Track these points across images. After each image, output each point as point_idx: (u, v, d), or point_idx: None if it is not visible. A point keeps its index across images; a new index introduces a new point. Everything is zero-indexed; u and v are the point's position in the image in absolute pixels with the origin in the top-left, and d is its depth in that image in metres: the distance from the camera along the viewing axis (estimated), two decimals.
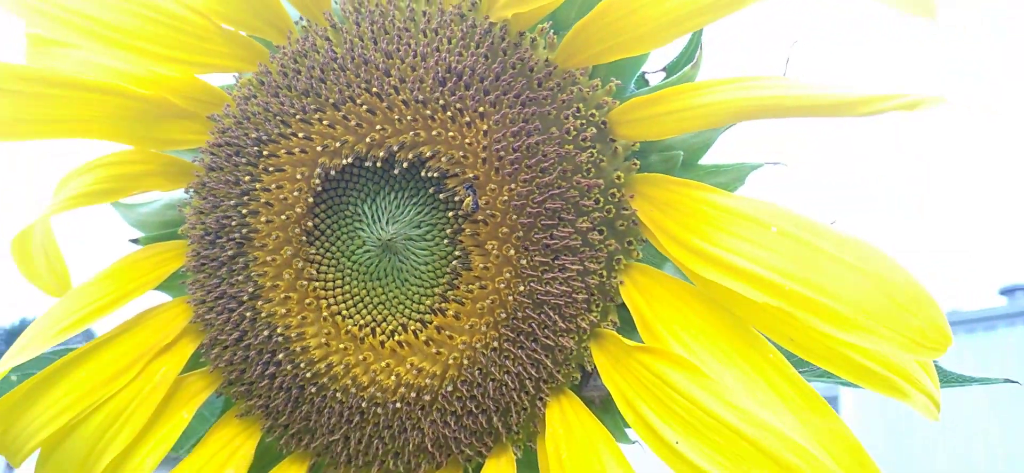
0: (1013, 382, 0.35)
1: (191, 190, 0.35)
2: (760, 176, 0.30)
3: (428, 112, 0.30)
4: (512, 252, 0.29)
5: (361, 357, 0.31)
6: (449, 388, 0.30)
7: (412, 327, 0.31)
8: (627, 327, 0.30)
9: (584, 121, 0.30)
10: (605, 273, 0.30)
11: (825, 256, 0.24)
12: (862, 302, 0.23)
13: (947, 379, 0.32)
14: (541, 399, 0.30)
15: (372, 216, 0.32)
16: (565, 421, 0.30)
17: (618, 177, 0.30)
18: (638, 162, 0.30)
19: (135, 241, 0.37)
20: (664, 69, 0.32)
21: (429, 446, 0.31)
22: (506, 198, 0.29)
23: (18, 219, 0.37)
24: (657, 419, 0.27)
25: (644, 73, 0.33)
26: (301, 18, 0.33)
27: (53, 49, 0.35)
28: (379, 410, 0.31)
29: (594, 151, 0.30)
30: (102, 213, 0.37)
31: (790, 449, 0.24)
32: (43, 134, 0.34)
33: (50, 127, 0.33)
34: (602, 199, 0.30)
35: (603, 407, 0.31)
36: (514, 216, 0.29)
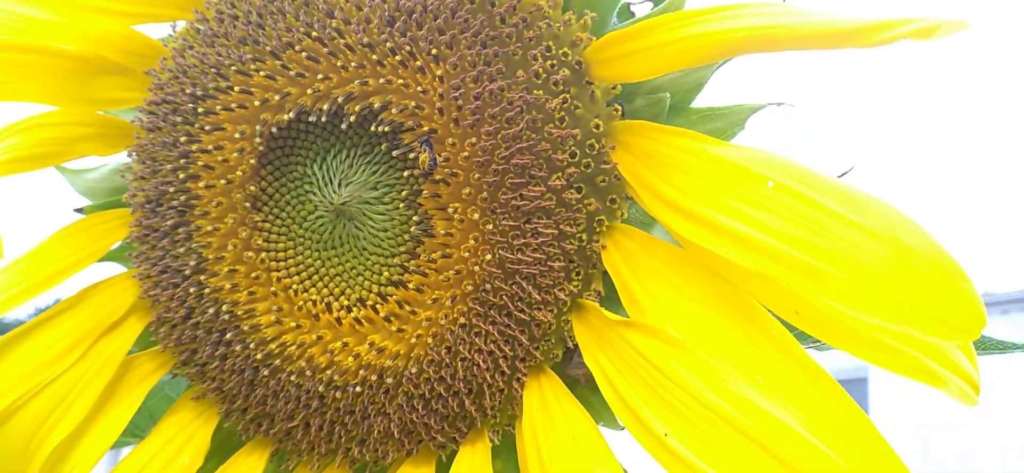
0: None
1: (132, 154, 0.31)
2: (760, 120, 0.26)
3: (375, 57, 0.26)
4: (477, 215, 0.26)
5: (317, 336, 0.28)
6: (414, 369, 0.27)
7: (371, 301, 0.28)
8: (613, 297, 0.26)
9: (555, 61, 0.26)
10: (585, 237, 0.26)
11: (831, 216, 0.20)
12: (875, 271, 0.19)
13: (986, 346, 0.28)
14: (518, 379, 0.27)
15: (323, 178, 0.28)
16: (544, 404, 0.26)
17: (596, 126, 0.26)
18: (620, 107, 0.26)
19: (80, 210, 0.34)
20: None
21: (396, 433, 0.28)
22: (467, 154, 0.26)
23: None
24: (644, 407, 0.23)
25: (628, 4, 0.28)
26: None
27: None
28: (338, 394, 0.28)
29: (568, 96, 0.26)
30: (48, 178, 0.34)
31: (795, 446, 0.21)
32: None
33: None
34: (578, 152, 0.26)
35: (589, 387, 0.27)
36: (477, 174, 0.26)
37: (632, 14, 0.29)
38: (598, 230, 0.26)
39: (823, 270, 0.20)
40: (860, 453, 0.21)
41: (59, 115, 0.31)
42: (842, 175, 0.22)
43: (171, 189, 0.29)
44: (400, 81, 0.26)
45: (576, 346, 0.27)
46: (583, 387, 0.28)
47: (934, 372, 0.21)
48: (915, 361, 0.21)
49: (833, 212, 0.20)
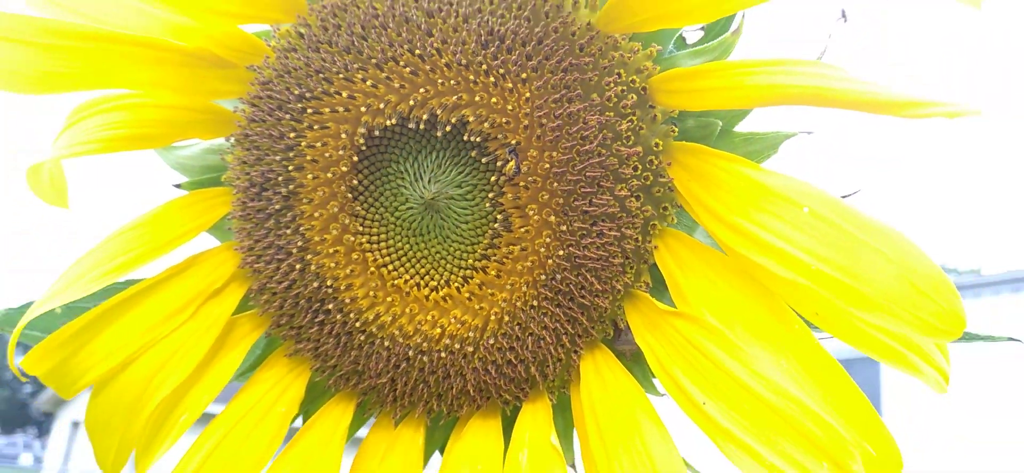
0: (1016, 341, 0.37)
1: (232, 139, 0.36)
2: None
3: (471, 76, 0.31)
4: (552, 218, 0.31)
5: (407, 309, 0.34)
6: (490, 341, 0.33)
7: (455, 283, 0.33)
8: (659, 286, 0.32)
9: (625, 87, 0.31)
10: (640, 238, 0.32)
11: (854, 241, 0.26)
12: (886, 287, 0.25)
13: (969, 337, 0.34)
14: (576, 352, 0.33)
15: (414, 174, 0.33)
16: (599, 373, 0.32)
17: (656, 144, 0.31)
18: (676, 128, 0.31)
19: (179, 186, 0.38)
20: (702, 28, 0.33)
21: (471, 391, 0.34)
22: (548, 165, 0.31)
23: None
24: (686, 380, 0.29)
25: (682, 33, 0.33)
26: None
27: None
28: (424, 358, 0.34)
29: (634, 118, 0.31)
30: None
31: (811, 419, 0.27)
32: (81, 86, 0.35)
33: (94, 76, 0.34)
34: (640, 167, 0.31)
35: (633, 359, 0.33)
36: (555, 183, 0.31)
37: (685, 41, 0.34)
38: (652, 233, 0.32)
39: (845, 282, 0.26)
40: (859, 426, 0.27)
41: (169, 99, 0.36)
42: (847, 196, 0.28)
43: (278, 177, 0.34)
44: (492, 99, 0.31)
45: (626, 326, 0.33)
46: (628, 360, 0.34)
47: (913, 363, 0.27)
48: (902, 355, 0.27)
49: (855, 237, 0.26)
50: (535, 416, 0.33)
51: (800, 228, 0.27)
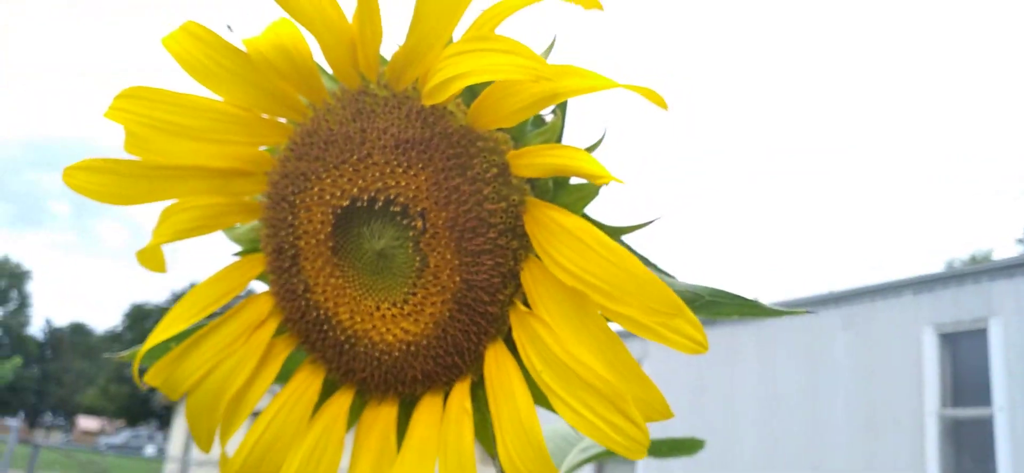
0: (812, 312, 0.49)
1: (260, 222, 0.54)
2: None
3: (389, 168, 0.47)
4: (450, 255, 0.47)
5: (373, 323, 0.50)
6: (425, 342, 0.49)
7: (400, 304, 0.50)
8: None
9: (488, 164, 0.46)
10: (512, 263, 0.47)
11: (607, 261, 0.40)
12: (623, 287, 0.39)
13: (758, 310, 0.46)
14: (482, 345, 0.48)
15: (368, 234, 0.50)
16: (496, 359, 0.47)
17: (515, 200, 0.46)
18: (527, 186, 0.46)
19: (237, 254, 0.57)
20: (552, 110, 0.48)
21: (420, 377, 0.50)
22: (443, 220, 0.47)
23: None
24: (535, 360, 0.44)
25: (541, 115, 0.48)
26: (309, 103, 0.51)
27: (146, 141, 0.54)
28: (387, 357, 0.50)
29: (496, 185, 0.46)
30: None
31: (600, 381, 0.41)
32: (154, 198, 0.54)
33: (162, 192, 0.54)
34: (504, 217, 0.46)
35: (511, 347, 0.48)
36: (449, 232, 0.47)
37: (543, 121, 0.48)
38: (519, 259, 0.47)
39: (603, 287, 0.40)
40: (633, 383, 0.41)
41: (216, 201, 0.55)
42: (629, 230, 0.41)
43: (286, 245, 0.52)
44: (403, 183, 0.47)
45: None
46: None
47: (664, 336, 0.40)
48: (653, 331, 0.41)
49: (607, 259, 0.40)
50: (461, 392, 0.49)
51: (581, 255, 0.41)
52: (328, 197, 0.50)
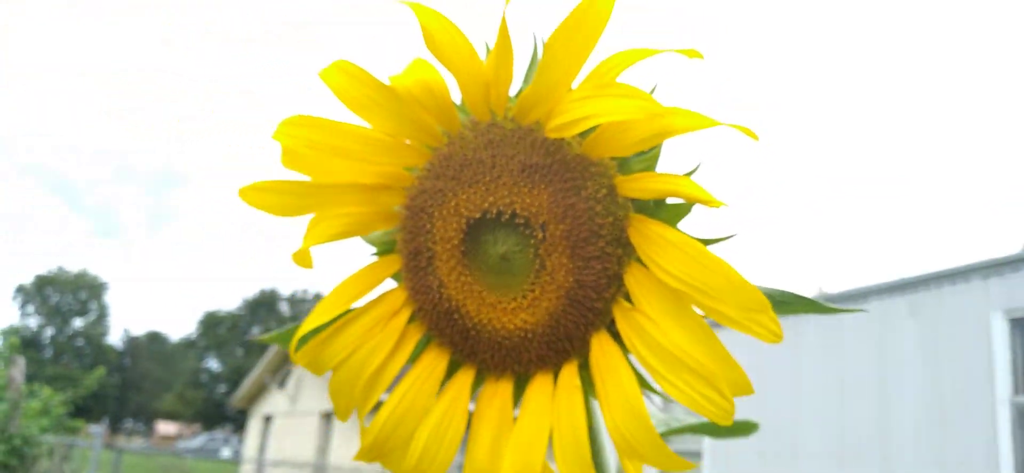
0: (865, 310, 0.58)
1: (398, 229, 0.65)
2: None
3: (516, 187, 0.58)
4: (566, 259, 0.58)
5: (496, 315, 0.61)
6: (540, 330, 0.60)
7: (520, 298, 0.60)
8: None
9: (599, 186, 0.57)
10: (616, 267, 0.57)
11: (708, 269, 0.50)
12: (720, 289, 0.49)
13: (821, 309, 0.56)
14: (588, 334, 0.59)
15: (493, 241, 0.61)
16: (601, 347, 0.58)
17: (620, 215, 0.57)
18: (631, 204, 0.57)
19: (374, 254, 0.68)
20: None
21: (534, 359, 0.61)
22: (560, 231, 0.57)
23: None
24: (639, 345, 0.54)
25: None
26: (445, 132, 0.62)
27: (304, 159, 0.65)
28: (507, 342, 0.61)
29: (606, 203, 0.57)
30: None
31: (698, 364, 0.51)
32: (313, 210, 0.65)
33: (319, 205, 0.65)
34: (612, 229, 0.57)
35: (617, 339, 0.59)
36: (564, 241, 0.57)
37: (645, 150, 0.59)
38: (622, 264, 0.57)
39: (703, 290, 0.50)
40: (726, 368, 0.51)
41: (362, 210, 0.66)
42: (718, 241, 0.52)
43: (423, 248, 0.63)
44: (527, 199, 0.58)
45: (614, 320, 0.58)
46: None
47: (753, 329, 0.51)
48: (745, 326, 0.51)
49: (707, 266, 0.50)
50: (569, 370, 0.60)
51: (684, 263, 0.52)
52: (463, 210, 0.60)
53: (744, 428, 0.86)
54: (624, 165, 0.58)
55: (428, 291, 0.63)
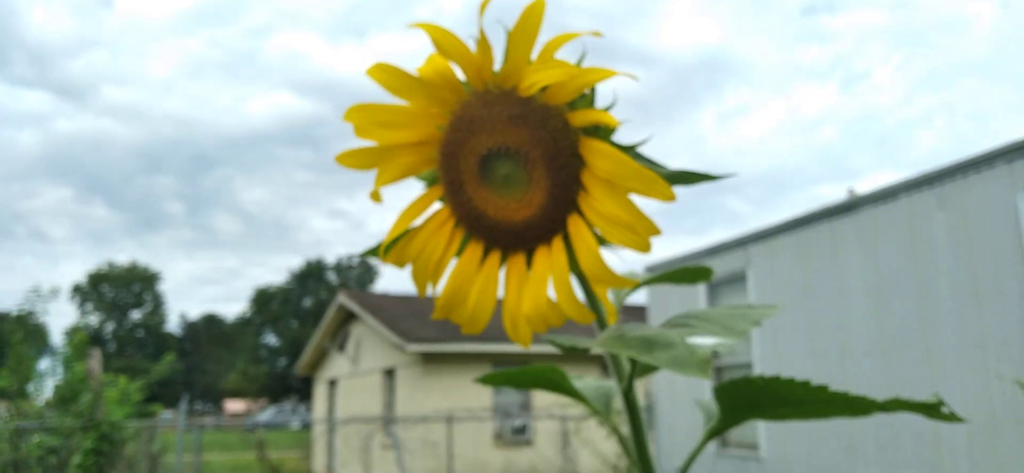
0: (725, 177, 0.94)
1: (438, 168, 1.02)
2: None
3: (506, 130, 0.94)
4: (544, 171, 0.94)
5: (507, 213, 0.98)
6: (535, 218, 0.96)
7: (519, 200, 0.97)
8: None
9: (557, 122, 0.92)
10: (575, 172, 0.93)
11: (622, 164, 0.86)
12: (630, 177, 0.85)
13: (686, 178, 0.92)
14: (565, 216, 0.96)
15: (498, 167, 0.97)
16: (574, 223, 0.95)
17: (574, 139, 0.93)
18: (580, 131, 0.93)
19: (426, 186, 1.06)
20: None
21: (534, 237, 0.98)
22: (537, 154, 0.93)
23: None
24: (593, 217, 0.91)
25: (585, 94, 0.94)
26: (458, 100, 0.98)
27: (369, 132, 1.02)
28: (516, 228, 0.98)
29: (564, 131, 0.92)
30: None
31: (625, 222, 0.88)
32: (378, 164, 1.03)
33: (385, 160, 1.02)
34: (569, 148, 0.93)
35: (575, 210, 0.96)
36: (541, 160, 0.93)
37: (583, 95, 0.94)
38: (578, 169, 0.93)
39: (621, 178, 0.86)
40: (640, 221, 0.87)
41: (409, 159, 1.03)
42: (634, 146, 0.87)
43: (455, 178, 0.99)
44: (514, 137, 0.94)
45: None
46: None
47: (652, 194, 0.86)
48: (648, 193, 0.87)
49: (621, 162, 0.86)
50: (557, 241, 0.97)
51: (609, 163, 0.88)
52: (476, 150, 0.97)
53: (701, 273, 1.22)
54: (572, 106, 0.94)
55: (462, 205, 1.01)
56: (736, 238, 13.49)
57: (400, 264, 1.05)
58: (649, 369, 1.38)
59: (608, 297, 1.06)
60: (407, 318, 27.12)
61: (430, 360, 24.82)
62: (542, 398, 25.56)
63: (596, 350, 1.00)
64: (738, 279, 13.32)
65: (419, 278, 1.04)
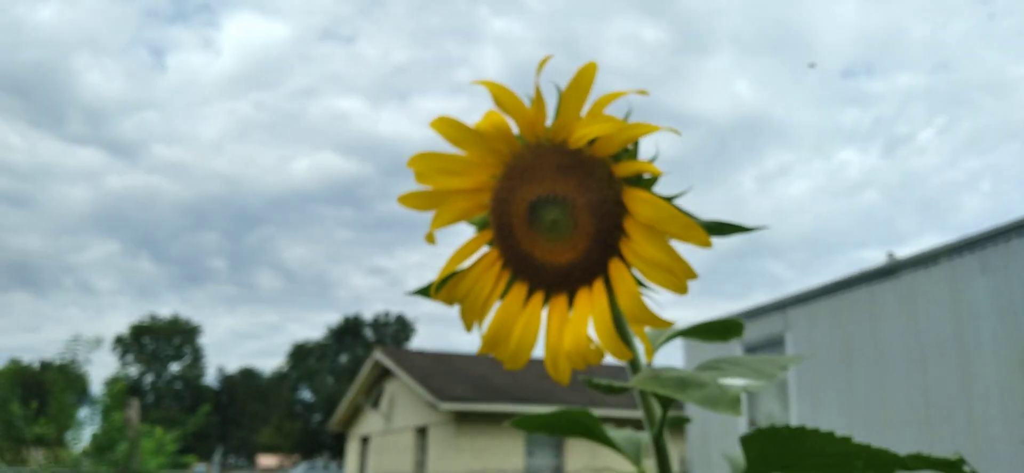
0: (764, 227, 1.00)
1: (490, 213, 1.10)
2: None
3: (555, 180, 1.02)
4: (589, 218, 1.01)
5: (552, 256, 1.06)
6: (579, 262, 1.04)
7: (565, 244, 1.05)
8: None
9: (603, 172, 1.00)
10: (618, 218, 1.01)
11: (663, 211, 0.94)
12: (670, 223, 0.93)
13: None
14: (607, 260, 1.03)
15: (546, 213, 1.05)
16: (615, 267, 1.02)
17: (618, 188, 1.00)
18: (623, 181, 1.00)
19: (477, 229, 1.14)
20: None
21: (577, 278, 1.05)
22: (583, 202, 1.01)
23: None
24: (634, 261, 0.98)
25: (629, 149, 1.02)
26: (511, 151, 1.06)
27: (429, 178, 1.11)
28: (561, 271, 1.06)
29: (609, 181, 1.00)
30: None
31: (665, 265, 0.95)
32: (435, 207, 1.11)
33: (441, 203, 1.11)
34: (614, 196, 1.00)
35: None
36: (587, 208, 1.01)
37: (627, 150, 1.02)
38: (621, 216, 1.01)
39: (663, 223, 0.93)
40: (679, 265, 0.94)
41: (465, 204, 1.11)
42: (676, 197, 0.95)
43: (506, 221, 1.07)
44: (562, 186, 1.02)
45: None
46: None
47: (690, 240, 0.93)
48: (685, 239, 0.94)
49: (663, 210, 0.93)
50: (598, 284, 1.04)
51: (650, 210, 0.95)
52: (526, 197, 1.05)
53: (732, 328, 1.27)
54: (616, 159, 1.02)
55: (511, 248, 1.08)
56: (774, 301, 13.37)
57: (450, 302, 1.12)
58: (681, 422, 1.43)
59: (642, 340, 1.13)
60: (441, 376, 27.11)
61: (463, 419, 24.69)
62: (575, 463, 25.18)
63: (633, 388, 1.06)
64: (776, 343, 13.16)
65: (467, 315, 1.12)
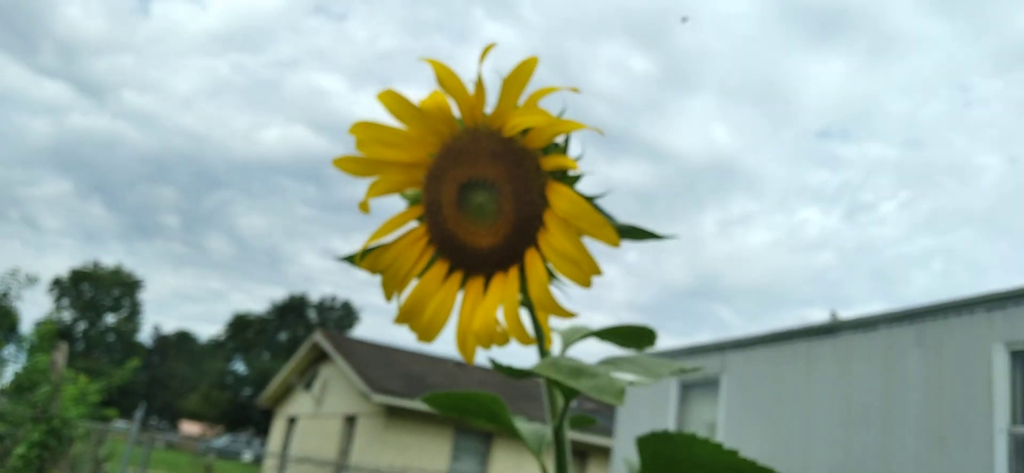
0: (674, 237, 1.06)
1: (422, 188, 1.15)
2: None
3: (487, 164, 1.07)
4: (512, 205, 1.06)
5: (475, 238, 1.10)
6: (499, 246, 1.08)
7: (489, 227, 1.09)
8: None
9: (531, 163, 1.05)
10: (539, 209, 1.06)
11: (578, 207, 0.99)
12: (585, 220, 0.98)
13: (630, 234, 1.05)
14: (523, 249, 1.08)
15: (474, 195, 1.09)
16: (530, 257, 1.07)
17: (543, 181, 1.05)
18: (548, 174, 1.05)
19: (408, 203, 1.18)
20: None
21: (495, 263, 1.10)
22: (509, 189, 1.06)
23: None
24: (547, 251, 1.03)
25: (557, 143, 1.07)
26: (450, 132, 1.11)
27: (369, 147, 1.15)
28: (480, 254, 1.10)
29: (535, 173, 1.05)
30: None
31: (574, 258, 1.00)
32: (374, 174, 1.15)
33: (377, 172, 1.15)
34: (538, 188, 1.05)
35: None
36: (512, 195, 1.06)
37: (556, 143, 1.07)
38: (542, 208, 1.06)
39: (577, 219, 0.99)
40: (586, 260, 0.99)
41: (399, 177, 1.15)
42: (595, 199, 1.00)
43: (435, 200, 1.12)
44: (492, 171, 1.07)
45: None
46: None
47: (600, 237, 0.99)
48: (598, 236, 0.99)
49: (578, 206, 0.99)
50: (513, 271, 1.08)
51: (567, 205, 1.00)
52: (458, 178, 1.09)
53: (644, 336, 1.33)
54: (545, 151, 1.07)
55: (438, 226, 1.13)
56: (714, 342, 13.60)
57: (373, 270, 1.16)
58: (586, 421, 1.48)
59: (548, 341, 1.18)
60: (378, 367, 26.94)
61: (393, 414, 24.56)
62: (499, 471, 25.20)
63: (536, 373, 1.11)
64: (711, 384, 13.38)
65: (387, 285, 1.16)
